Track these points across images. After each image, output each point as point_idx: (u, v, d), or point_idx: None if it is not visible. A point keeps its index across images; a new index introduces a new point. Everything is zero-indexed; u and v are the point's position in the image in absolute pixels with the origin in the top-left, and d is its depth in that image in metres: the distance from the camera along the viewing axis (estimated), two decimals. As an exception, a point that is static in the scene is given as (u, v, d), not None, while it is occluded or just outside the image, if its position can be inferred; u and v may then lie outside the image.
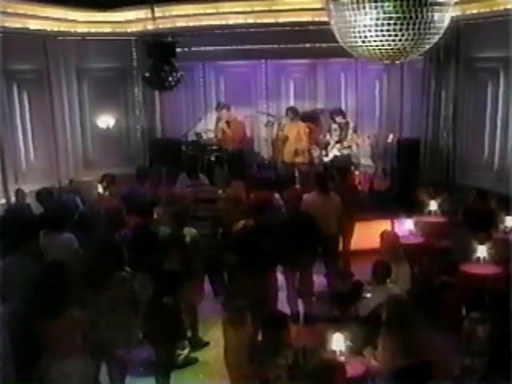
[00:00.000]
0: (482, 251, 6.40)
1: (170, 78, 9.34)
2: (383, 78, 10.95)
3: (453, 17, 5.67)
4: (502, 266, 6.15)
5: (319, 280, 7.33)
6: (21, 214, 7.83)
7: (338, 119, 10.26)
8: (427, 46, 5.05)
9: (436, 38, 5.00)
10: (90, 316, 4.69)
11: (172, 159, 10.12)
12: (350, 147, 10.24)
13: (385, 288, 5.56)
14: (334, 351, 4.66)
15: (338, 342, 4.69)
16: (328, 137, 10.40)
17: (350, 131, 10.32)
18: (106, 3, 9.77)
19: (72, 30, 9.84)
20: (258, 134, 11.99)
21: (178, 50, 9.49)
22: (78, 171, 10.46)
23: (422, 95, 9.64)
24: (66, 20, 9.64)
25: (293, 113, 10.49)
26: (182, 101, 11.69)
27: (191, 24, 9.82)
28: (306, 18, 9.29)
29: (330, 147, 10.25)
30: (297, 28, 9.77)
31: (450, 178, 9.49)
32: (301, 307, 6.93)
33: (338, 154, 10.14)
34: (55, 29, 9.54)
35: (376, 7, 4.60)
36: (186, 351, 5.98)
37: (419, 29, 4.70)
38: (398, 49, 4.84)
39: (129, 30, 10.27)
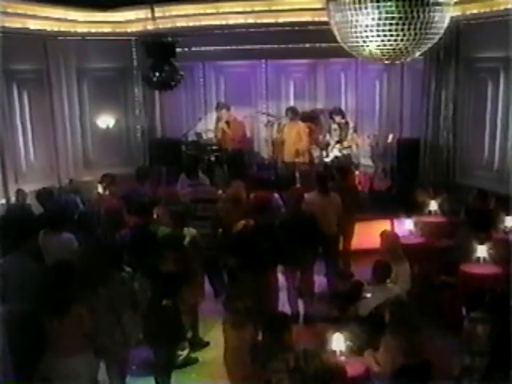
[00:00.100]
0: (481, 251, 6.40)
1: (170, 78, 9.34)
2: (383, 77, 10.97)
3: (453, 17, 5.67)
4: (502, 266, 6.15)
5: (319, 280, 7.33)
6: (21, 213, 7.84)
7: (338, 119, 10.27)
8: (427, 46, 5.05)
9: (436, 38, 5.00)
10: (90, 315, 4.70)
11: (172, 159, 10.12)
12: (350, 147, 10.25)
13: (385, 288, 5.57)
14: (334, 351, 4.66)
15: (338, 342, 4.69)
16: (328, 137, 10.41)
17: (350, 131, 10.33)
18: (106, 3, 9.76)
19: (72, 29, 9.83)
20: (257, 134, 11.99)
21: (178, 50, 9.49)
22: (77, 171, 10.46)
23: (422, 95, 9.64)
24: (66, 20, 9.63)
25: (293, 113, 10.49)
26: (182, 101, 11.70)
27: (191, 24, 9.81)
28: (305, 17, 9.29)
29: (330, 147, 10.26)
30: (297, 28, 9.77)
31: (450, 178, 9.50)
32: (301, 307, 6.93)
33: (338, 154, 10.15)
34: (55, 29, 9.53)
35: (376, 7, 4.59)
36: (185, 351, 5.98)
37: (419, 29, 4.70)
38: (399, 49, 4.84)
39: (129, 30, 10.26)
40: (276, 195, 7.68)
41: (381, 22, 4.63)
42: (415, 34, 4.72)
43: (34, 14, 8.94)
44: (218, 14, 9.65)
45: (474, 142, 9.10)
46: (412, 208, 7.94)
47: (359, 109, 11.65)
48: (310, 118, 11.14)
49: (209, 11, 9.66)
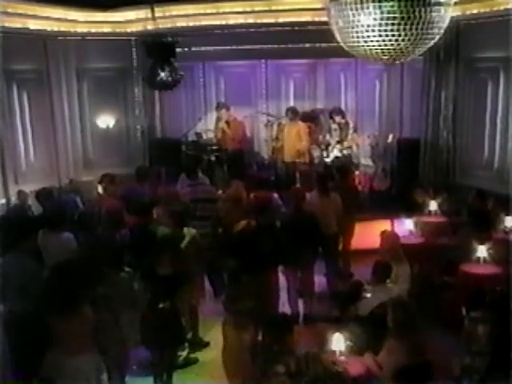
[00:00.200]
0: (481, 251, 6.40)
1: (170, 78, 9.34)
2: (383, 78, 10.96)
3: (453, 17, 5.66)
4: (502, 266, 6.15)
5: (319, 280, 7.33)
6: (21, 214, 7.85)
7: (338, 119, 10.27)
8: (427, 46, 5.05)
9: (436, 38, 5.00)
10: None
11: (172, 159, 10.12)
12: (350, 147, 10.25)
13: (385, 288, 5.57)
14: (334, 351, 4.66)
15: (338, 342, 4.69)
16: (328, 137, 10.41)
17: (351, 131, 10.33)
18: (106, 3, 9.76)
19: (72, 30, 9.83)
20: (257, 134, 12.00)
21: (178, 50, 9.49)
22: (77, 171, 10.46)
23: (422, 95, 9.64)
24: (66, 20, 9.63)
25: (292, 113, 10.49)
26: (182, 101, 11.70)
27: (191, 24, 9.81)
28: (305, 17, 9.28)
29: (330, 147, 10.26)
30: (297, 28, 9.76)
31: (450, 178, 9.50)
32: (301, 307, 6.93)
33: (338, 154, 10.15)
34: (55, 29, 9.53)
35: (376, 7, 4.59)
36: (185, 351, 5.98)
37: (420, 29, 4.69)
38: (399, 49, 4.83)
39: (129, 30, 10.26)
40: (275, 195, 7.67)
41: (381, 22, 4.63)
42: (415, 34, 4.71)
43: (34, 14, 8.94)
44: (218, 13, 9.64)
45: (474, 142, 9.10)
46: (412, 208, 7.94)
47: (359, 109, 11.65)
48: (310, 117, 11.14)
49: (209, 11, 9.65)
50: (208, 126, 11.48)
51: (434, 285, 6.68)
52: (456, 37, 9.00)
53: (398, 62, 5.25)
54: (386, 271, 5.65)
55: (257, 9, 9.48)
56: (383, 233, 6.68)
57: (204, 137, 11.28)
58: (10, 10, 8.37)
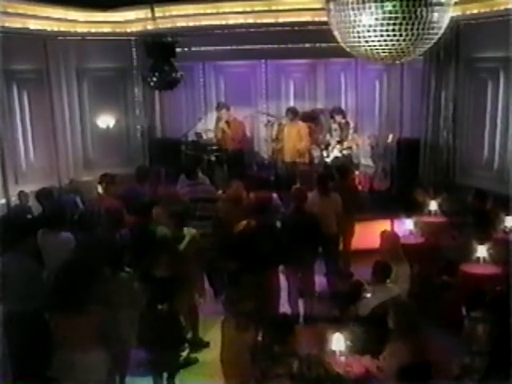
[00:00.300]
0: (481, 251, 6.40)
1: (170, 78, 9.34)
2: (383, 77, 10.96)
3: (453, 17, 5.66)
4: (502, 266, 6.15)
5: (319, 280, 7.33)
6: (21, 214, 7.86)
7: (338, 118, 10.27)
8: (427, 46, 5.05)
9: (436, 38, 5.00)
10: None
11: (172, 159, 10.12)
12: (350, 148, 10.25)
13: (385, 288, 5.57)
14: (334, 351, 4.66)
15: (338, 342, 4.69)
16: (328, 137, 10.41)
17: (351, 131, 10.32)
18: (106, 3, 9.75)
19: (72, 30, 9.82)
20: (257, 134, 11.99)
21: (178, 50, 9.49)
22: (77, 171, 10.46)
23: (422, 95, 9.64)
24: (66, 20, 9.62)
25: (292, 113, 10.48)
26: (182, 101, 11.70)
27: (191, 24, 9.80)
28: (305, 17, 9.28)
29: (330, 147, 10.26)
30: (297, 28, 9.76)
31: (450, 178, 9.49)
32: (301, 307, 6.93)
33: (338, 154, 10.15)
34: (55, 29, 9.52)
35: (376, 7, 4.59)
36: (185, 351, 5.97)
37: (420, 29, 4.69)
38: (397, 49, 4.83)
39: (129, 30, 10.25)
40: (274, 195, 7.67)
41: (380, 22, 4.63)
42: (415, 34, 4.72)
43: (34, 14, 8.93)
44: (218, 13, 9.64)
45: (474, 142, 9.10)
46: (412, 208, 7.94)
47: (359, 109, 11.65)
48: (310, 117, 11.14)
49: (209, 11, 9.65)
50: (208, 126, 11.48)
51: (434, 285, 6.68)
52: (456, 37, 9.00)
53: (398, 62, 5.25)
54: (385, 271, 5.65)
55: (257, 9, 9.48)
56: (383, 233, 6.69)
57: (204, 137, 11.28)
58: (10, 10, 8.37)
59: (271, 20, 9.62)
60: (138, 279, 5.31)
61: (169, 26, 9.76)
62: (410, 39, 4.74)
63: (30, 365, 4.86)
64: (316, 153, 10.75)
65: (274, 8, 9.43)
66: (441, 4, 4.74)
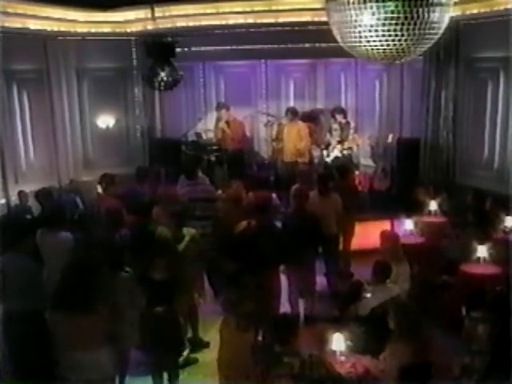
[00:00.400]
0: (481, 251, 6.40)
1: (170, 78, 9.34)
2: (383, 78, 10.97)
3: (453, 17, 5.66)
4: (502, 266, 6.15)
5: (319, 280, 7.32)
6: (20, 214, 7.86)
7: (339, 118, 10.27)
8: (427, 46, 5.04)
9: (436, 38, 5.00)
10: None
11: (172, 159, 10.12)
12: (350, 148, 10.25)
13: (385, 288, 5.57)
14: (334, 352, 4.66)
15: (338, 342, 4.69)
16: (328, 136, 10.41)
17: (351, 131, 10.32)
18: (106, 3, 9.75)
19: (72, 30, 9.82)
20: (257, 134, 12.00)
21: (178, 50, 9.49)
22: (77, 171, 10.46)
23: (422, 95, 9.64)
24: (66, 20, 9.62)
25: (292, 113, 10.49)
26: (182, 101, 11.70)
27: (191, 24, 9.80)
28: (305, 17, 9.27)
29: (331, 147, 10.26)
30: (297, 28, 9.76)
31: (450, 178, 9.49)
32: (301, 307, 6.92)
33: (339, 154, 10.15)
34: (55, 29, 9.52)
35: (376, 7, 4.59)
36: (185, 352, 5.98)
37: (419, 29, 4.69)
38: (398, 49, 4.83)
39: (129, 30, 10.25)
40: (274, 195, 7.67)
41: (381, 22, 4.62)
42: (415, 34, 4.71)
43: (33, 14, 8.93)
44: (217, 13, 9.64)
45: (474, 142, 9.10)
46: (412, 208, 7.94)
47: (359, 109, 11.65)
48: (310, 118, 11.15)
49: (209, 11, 9.64)
50: (208, 126, 11.48)
51: (434, 285, 6.68)
52: (456, 37, 9.00)
53: (397, 62, 5.25)
54: (385, 271, 5.66)
55: (257, 9, 9.48)
56: (383, 233, 6.69)
57: (204, 137, 11.29)
58: (9, 10, 8.36)
59: (271, 20, 9.62)
60: (137, 281, 5.30)
61: (169, 26, 9.76)
62: (411, 39, 4.73)
63: (29, 364, 4.86)
64: (316, 153, 10.76)
65: (274, 8, 9.43)
66: (441, 4, 4.73)
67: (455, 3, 5.38)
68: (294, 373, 4.14)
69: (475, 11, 8.39)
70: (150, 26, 9.79)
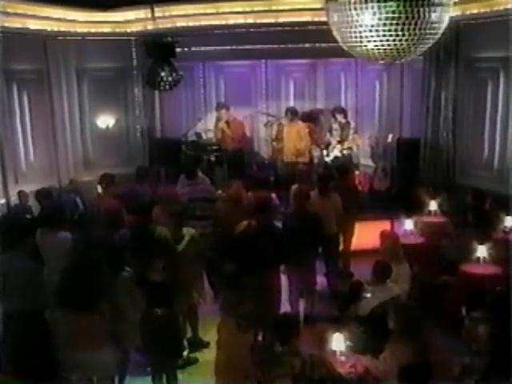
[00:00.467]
0: (481, 251, 6.40)
1: (170, 78, 9.34)
2: (383, 78, 10.96)
3: (453, 17, 5.66)
4: (502, 266, 6.15)
5: (319, 279, 7.32)
6: (20, 213, 7.86)
7: (340, 117, 10.26)
8: (427, 46, 5.04)
9: (436, 38, 5.00)
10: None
11: (172, 159, 10.12)
12: (350, 148, 10.25)
13: (385, 288, 5.56)
14: (334, 352, 4.66)
15: (338, 342, 4.69)
16: (328, 136, 10.41)
17: (351, 131, 10.31)
18: (106, 3, 9.75)
19: (72, 30, 9.82)
20: (257, 134, 12.00)
21: (178, 50, 9.49)
22: (78, 171, 10.46)
23: (422, 95, 9.64)
24: (66, 20, 9.62)
25: (292, 113, 10.49)
26: (182, 101, 11.70)
27: (191, 24, 9.80)
28: (305, 18, 9.28)
29: (331, 147, 10.26)
30: (297, 28, 9.76)
31: (450, 178, 9.49)
32: (301, 307, 6.92)
33: (338, 154, 10.15)
34: (55, 29, 9.52)
35: (377, 7, 4.59)
36: (185, 351, 5.97)
37: (419, 29, 4.69)
38: (398, 49, 4.83)
39: (129, 30, 10.25)
40: (273, 195, 7.66)
41: (382, 22, 4.63)
42: (415, 34, 4.71)
43: (33, 14, 8.93)
44: (217, 13, 9.64)
45: (474, 142, 9.10)
46: (412, 208, 7.94)
47: (359, 109, 11.65)
48: (310, 118, 11.15)
49: (209, 11, 9.65)
50: (208, 126, 11.48)
51: (434, 285, 6.68)
52: (456, 37, 9.00)
53: (397, 62, 5.25)
54: (385, 271, 5.65)
55: (257, 9, 9.48)
56: (383, 233, 6.69)
57: (204, 137, 11.29)
58: (9, 10, 8.37)
59: (271, 20, 9.62)
60: (136, 283, 5.30)
61: (169, 26, 9.76)
62: (412, 39, 4.73)
63: (29, 364, 4.86)
64: (316, 153, 10.76)
65: (274, 8, 9.43)
66: (441, 4, 4.74)
67: (455, 3, 5.39)
68: (295, 372, 4.14)
69: (475, 11, 8.39)
70: (150, 26, 9.79)
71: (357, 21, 4.69)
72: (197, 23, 9.79)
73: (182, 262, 5.87)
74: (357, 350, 4.78)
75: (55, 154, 10.07)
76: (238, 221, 6.49)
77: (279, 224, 6.81)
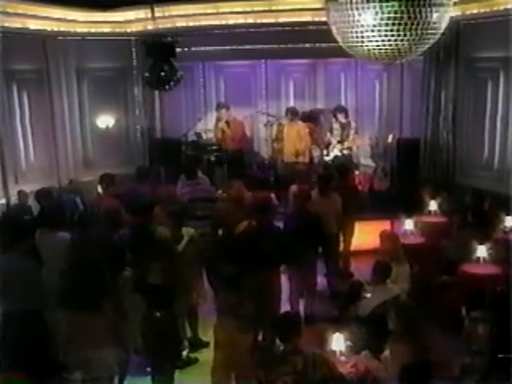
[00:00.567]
0: (481, 251, 6.40)
1: (170, 78, 9.33)
2: (383, 78, 10.97)
3: (453, 17, 5.67)
4: (502, 266, 6.15)
5: (319, 279, 7.32)
6: (20, 213, 7.86)
7: (341, 117, 10.25)
8: (427, 46, 5.05)
9: (436, 38, 5.00)
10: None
11: (172, 159, 10.11)
12: (350, 148, 10.25)
13: (385, 288, 5.57)
14: (334, 352, 4.66)
15: (338, 342, 4.69)
16: (329, 135, 10.41)
17: (352, 131, 10.31)
18: (106, 3, 9.76)
19: (72, 30, 9.83)
20: (257, 134, 12.00)
21: (178, 50, 9.48)
22: (77, 171, 10.46)
23: (422, 95, 9.64)
24: (66, 20, 9.62)
25: (292, 113, 10.48)
26: (182, 101, 11.70)
27: (191, 24, 9.81)
28: (305, 18, 9.29)
29: (331, 147, 10.27)
30: (297, 28, 9.76)
31: (450, 178, 9.49)
32: (301, 307, 6.92)
33: (338, 154, 10.16)
34: (55, 29, 9.53)
35: (375, 7, 4.58)
36: (185, 351, 5.97)
37: (420, 29, 4.69)
38: (398, 49, 4.83)
39: (129, 30, 10.26)
40: (272, 195, 7.66)
41: (379, 23, 4.62)
42: (416, 34, 4.71)
43: (33, 14, 8.93)
44: (217, 13, 9.65)
45: (474, 142, 9.10)
46: (412, 208, 7.94)
47: (359, 109, 11.64)
48: (310, 118, 11.14)
49: (209, 11, 9.66)
50: (208, 126, 11.48)
51: (434, 285, 6.68)
52: (456, 37, 9.00)
53: (397, 62, 5.25)
54: (385, 271, 5.65)
55: (257, 9, 9.49)
56: (383, 233, 6.69)
57: (204, 137, 11.29)
58: (9, 10, 8.37)
59: (271, 20, 9.63)
60: (134, 286, 5.29)
61: (169, 26, 9.77)
62: (413, 39, 4.74)
63: (28, 363, 4.86)
64: (316, 153, 10.76)
65: (274, 8, 9.44)
66: (441, 4, 4.74)
67: (455, 3, 5.39)
68: (297, 371, 4.14)
69: (475, 11, 8.40)
70: (150, 26, 9.80)
71: (358, 21, 4.68)
72: (197, 23, 9.80)
73: (182, 262, 5.86)
74: (357, 350, 4.78)
75: (55, 154, 10.07)
76: (240, 221, 6.49)
77: (280, 224, 6.81)
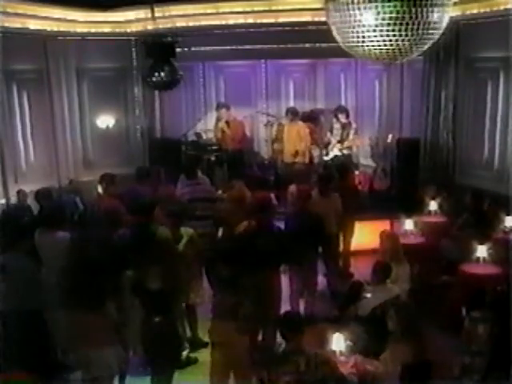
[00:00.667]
0: (481, 251, 6.40)
1: (170, 78, 9.33)
2: (383, 78, 10.97)
3: (453, 17, 5.66)
4: (502, 266, 6.15)
5: (319, 279, 7.31)
6: (19, 213, 7.85)
7: (342, 117, 10.25)
8: (427, 46, 5.05)
9: (436, 38, 5.00)
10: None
11: (172, 159, 10.11)
12: (350, 147, 10.26)
13: (385, 288, 5.57)
14: (334, 352, 4.66)
15: (338, 342, 4.69)
16: (329, 135, 10.42)
17: (352, 131, 10.32)
18: (106, 3, 9.76)
19: (72, 30, 9.82)
20: (257, 134, 12.01)
21: (178, 50, 9.46)
22: (77, 171, 10.45)
23: (422, 95, 9.64)
24: (66, 20, 9.62)
25: (292, 113, 10.49)
26: (182, 101, 11.70)
27: (191, 24, 9.81)
28: (305, 18, 9.28)
29: (330, 146, 10.27)
30: (297, 28, 9.76)
31: (450, 178, 9.49)
32: (301, 307, 6.92)
33: (338, 153, 10.16)
34: (55, 29, 9.52)
35: (377, 7, 4.58)
36: (185, 352, 5.97)
37: (419, 29, 4.69)
38: (399, 49, 4.83)
39: (129, 30, 10.25)
40: (272, 195, 7.66)
41: (379, 23, 4.62)
42: (417, 34, 4.71)
43: (33, 14, 8.93)
44: (217, 13, 9.64)
45: (474, 142, 9.10)
46: (412, 208, 7.94)
47: (359, 109, 11.65)
48: (310, 118, 11.15)
49: (209, 11, 9.65)
50: (208, 126, 11.49)
51: (434, 285, 6.68)
52: (456, 37, 9.00)
53: (397, 62, 5.25)
54: (386, 271, 5.66)
55: (257, 9, 9.48)
56: (383, 233, 6.70)
57: (204, 137, 11.29)
58: (9, 10, 8.37)
59: (271, 20, 9.62)
60: (131, 291, 5.28)
61: (169, 26, 9.76)
62: (414, 39, 4.73)
63: (28, 363, 4.86)
64: (316, 153, 10.76)
65: (274, 8, 9.44)
66: (442, 4, 4.74)
67: (455, 3, 5.39)
68: (300, 370, 4.13)
69: (475, 11, 8.40)
70: (150, 26, 9.79)
71: (359, 21, 4.67)
72: (197, 23, 9.79)
73: (181, 262, 5.86)
74: (357, 350, 4.78)
75: (55, 154, 10.06)
76: (240, 221, 6.49)
77: (280, 224, 6.81)
